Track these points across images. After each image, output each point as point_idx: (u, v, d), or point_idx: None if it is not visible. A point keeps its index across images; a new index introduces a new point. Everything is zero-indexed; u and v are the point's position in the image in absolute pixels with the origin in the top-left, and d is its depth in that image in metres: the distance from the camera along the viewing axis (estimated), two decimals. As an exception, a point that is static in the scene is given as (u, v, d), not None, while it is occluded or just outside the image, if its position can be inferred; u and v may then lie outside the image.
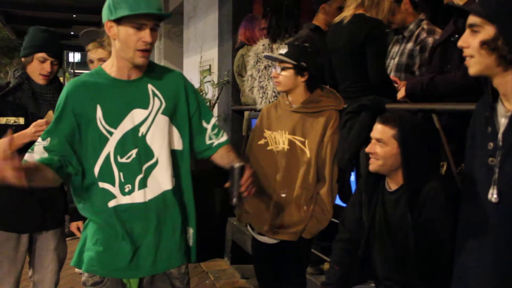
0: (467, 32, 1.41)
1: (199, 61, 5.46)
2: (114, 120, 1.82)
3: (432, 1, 3.76)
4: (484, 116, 1.47)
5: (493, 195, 1.40)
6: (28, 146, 2.41)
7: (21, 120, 2.48)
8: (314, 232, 2.51)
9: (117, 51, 1.81)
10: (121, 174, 1.84)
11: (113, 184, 1.84)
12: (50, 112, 2.47)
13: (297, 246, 2.52)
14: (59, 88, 2.63)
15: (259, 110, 3.23)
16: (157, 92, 1.89)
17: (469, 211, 1.53)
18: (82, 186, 1.86)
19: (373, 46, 2.70)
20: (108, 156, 1.83)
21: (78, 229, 2.66)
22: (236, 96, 4.67)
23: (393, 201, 2.02)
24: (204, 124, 2.00)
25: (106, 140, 1.82)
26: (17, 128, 2.43)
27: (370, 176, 2.14)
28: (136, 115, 1.84)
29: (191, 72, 6.26)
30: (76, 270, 4.31)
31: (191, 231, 2.00)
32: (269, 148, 2.57)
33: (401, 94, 2.55)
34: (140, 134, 1.84)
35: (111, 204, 1.84)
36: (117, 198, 1.85)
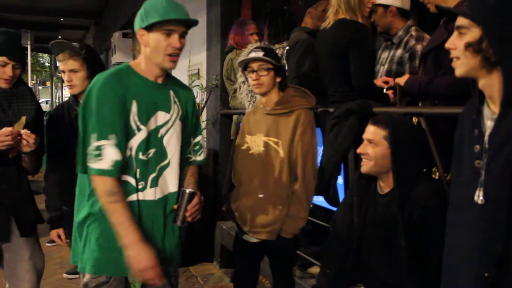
0: (455, 34, 1.44)
1: (188, 65, 5.45)
2: (143, 118, 1.90)
3: (421, 6, 3.77)
4: (471, 119, 1.48)
5: (479, 197, 1.41)
6: None
7: None
8: (293, 231, 2.54)
9: (147, 57, 1.92)
10: (138, 170, 1.90)
11: (134, 177, 1.90)
12: (23, 119, 2.41)
13: (280, 246, 2.55)
14: (26, 90, 2.56)
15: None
16: (176, 99, 2.02)
17: (456, 213, 1.54)
18: None
19: (355, 50, 2.71)
20: (130, 151, 1.89)
21: (59, 236, 2.63)
22: (224, 100, 4.67)
23: (385, 204, 2.03)
24: (191, 139, 2.14)
25: (133, 135, 1.89)
26: None
27: (361, 178, 2.15)
28: (159, 117, 1.95)
29: (180, 76, 6.15)
30: (64, 275, 4.27)
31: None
32: (251, 152, 2.63)
33: (402, 81, 2.49)
34: (159, 135, 1.94)
35: (132, 198, 1.89)
36: (137, 193, 1.91)
